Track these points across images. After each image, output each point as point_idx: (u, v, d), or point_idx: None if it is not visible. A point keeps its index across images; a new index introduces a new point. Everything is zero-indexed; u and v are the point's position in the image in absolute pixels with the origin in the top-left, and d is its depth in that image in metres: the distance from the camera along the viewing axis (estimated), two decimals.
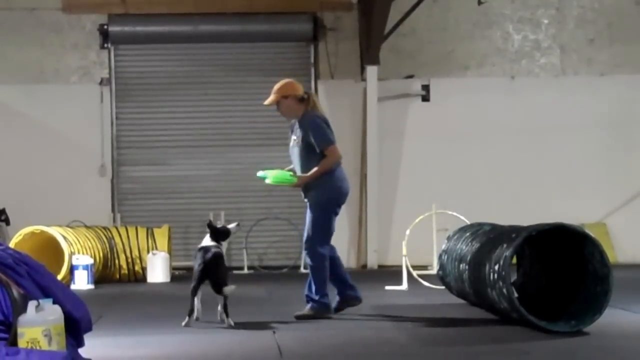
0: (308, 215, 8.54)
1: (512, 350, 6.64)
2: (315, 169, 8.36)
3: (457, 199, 14.47)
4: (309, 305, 8.50)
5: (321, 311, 8.45)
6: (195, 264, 8.13)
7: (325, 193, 8.40)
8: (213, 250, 8.09)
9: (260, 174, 8.56)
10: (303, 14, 16.15)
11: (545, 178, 16.04)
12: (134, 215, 15.83)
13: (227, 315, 7.92)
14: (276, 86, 8.69)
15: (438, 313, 8.87)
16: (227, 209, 15.84)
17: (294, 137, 8.60)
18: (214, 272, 8.02)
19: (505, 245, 7.53)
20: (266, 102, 8.67)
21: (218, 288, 7.95)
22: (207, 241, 8.27)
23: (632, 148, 16.19)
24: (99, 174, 16.01)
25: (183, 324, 7.94)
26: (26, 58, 15.91)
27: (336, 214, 8.54)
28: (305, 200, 8.60)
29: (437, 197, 14.03)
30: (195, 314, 8.07)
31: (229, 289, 7.94)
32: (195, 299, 8.06)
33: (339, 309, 8.71)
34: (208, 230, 8.36)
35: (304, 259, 8.63)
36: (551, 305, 7.82)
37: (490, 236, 8.40)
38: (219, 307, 7.98)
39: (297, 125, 8.59)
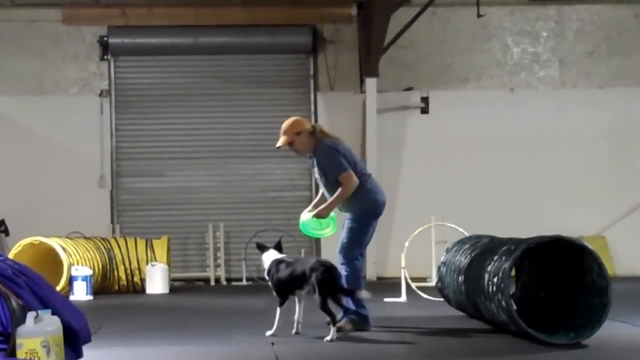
0: (345, 227, 8.50)
1: None
2: (332, 198, 8.34)
3: (456, 211, 14.47)
4: (346, 318, 8.34)
5: (359, 323, 8.33)
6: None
7: (360, 205, 8.40)
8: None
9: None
10: (302, 26, 16.19)
11: (544, 190, 16.04)
12: (133, 227, 15.84)
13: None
14: (284, 126, 8.47)
15: (437, 325, 8.86)
16: (226, 220, 15.87)
17: (316, 170, 8.57)
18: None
19: (504, 258, 7.52)
20: (279, 144, 8.49)
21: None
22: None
23: (631, 160, 16.21)
24: (99, 185, 16.02)
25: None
26: (26, 69, 15.95)
27: (372, 226, 8.50)
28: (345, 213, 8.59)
29: (436, 209, 14.04)
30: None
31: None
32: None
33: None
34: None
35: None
36: (550, 318, 7.81)
37: (489, 248, 8.40)
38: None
39: (314, 158, 8.54)
